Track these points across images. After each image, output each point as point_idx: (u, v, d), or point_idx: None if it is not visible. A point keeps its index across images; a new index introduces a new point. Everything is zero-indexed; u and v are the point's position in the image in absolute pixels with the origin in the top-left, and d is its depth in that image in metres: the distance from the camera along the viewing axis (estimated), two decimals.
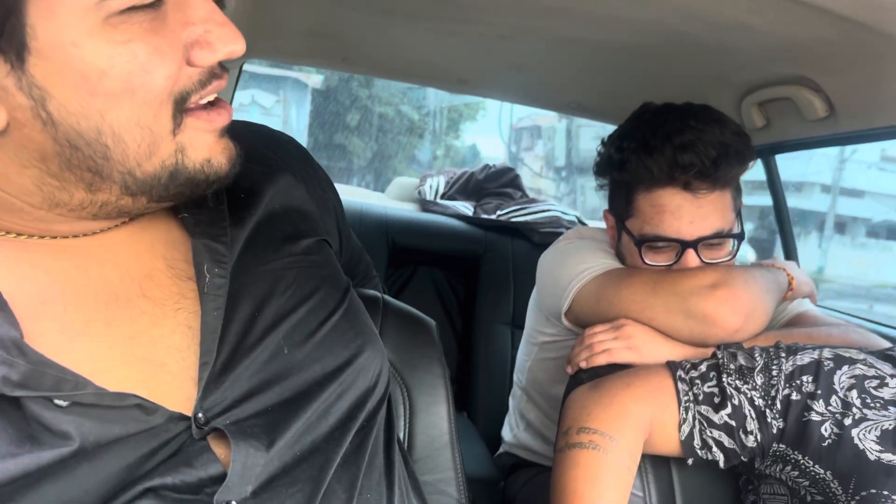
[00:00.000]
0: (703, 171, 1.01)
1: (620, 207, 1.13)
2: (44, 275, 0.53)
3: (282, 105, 7.45)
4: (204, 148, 0.53)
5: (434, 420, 0.85)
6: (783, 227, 1.71)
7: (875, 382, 0.83)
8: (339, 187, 0.84)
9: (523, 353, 1.41)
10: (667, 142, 1.03)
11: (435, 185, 2.36)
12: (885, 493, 0.74)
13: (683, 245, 1.05)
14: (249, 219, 0.63)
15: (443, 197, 2.33)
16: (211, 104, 0.54)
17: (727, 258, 1.09)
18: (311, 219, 0.70)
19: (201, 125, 0.53)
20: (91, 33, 0.45)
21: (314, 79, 7.45)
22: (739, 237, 1.10)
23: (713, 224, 1.05)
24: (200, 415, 0.53)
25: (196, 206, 0.59)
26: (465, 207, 2.23)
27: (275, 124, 0.81)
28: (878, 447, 0.78)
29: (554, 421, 1.25)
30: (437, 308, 2.11)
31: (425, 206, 2.33)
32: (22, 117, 0.46)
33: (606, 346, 1.01)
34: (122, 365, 0.53)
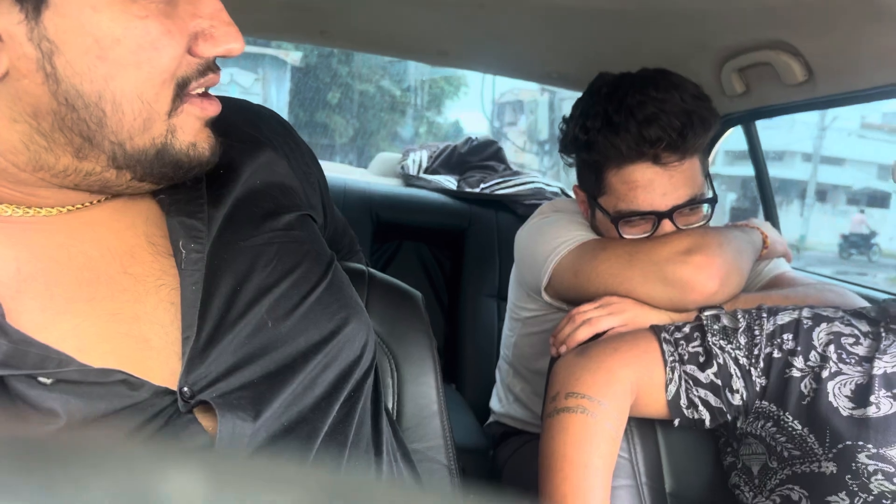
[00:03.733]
0: (671, 144, 1.01)
1: (591, 185, 1.12)
2: (26, 253, 0.53)
3: (261, 83, 7.37)
4: (191, 132, 0.55)
5: (422, 390, 0.86)
6: (764, 193, 1.73)
7: (851, 340, 0.85)
8: (321, 164, 0.84)
9: (507, 329, 1.42)
10: (630, 118, 1.02)
11: (418, 159, 2.35)
12: (861, 443, 0.76)
13: (659, 216, 1.05)
14: (228, 196, 0.63)
15: (426, 171, 2.33)
16: (202, 95, 0.55)
17: (702, 222, 1.10)
18: (293, 193, 0.70)
19: (194, 111, 0.54)
20: (112, 2, 0.46)
21: (293, 56, 7.36)
22: (712, 202, 1.11)
23: (686, 192, 1.05)
24: (186, 388, 0.53)
25: (173, 186, 0.60)
26: (449, 181, 2.23)
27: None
28: (850, 404, 0.80)
29: (540, 394, 1.26)
30: (424, 282, 2.12)
31: (409, 180, 2.32)
32: (24, 68, 0.46)
33: (589, 316, 1.02)
34: (105, 341, 0.53)
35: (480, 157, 2.34)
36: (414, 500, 0.11)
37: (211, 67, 0.54)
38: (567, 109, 1.19)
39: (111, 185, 0.54)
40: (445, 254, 2.15)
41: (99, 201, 0.57)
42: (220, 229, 0.61)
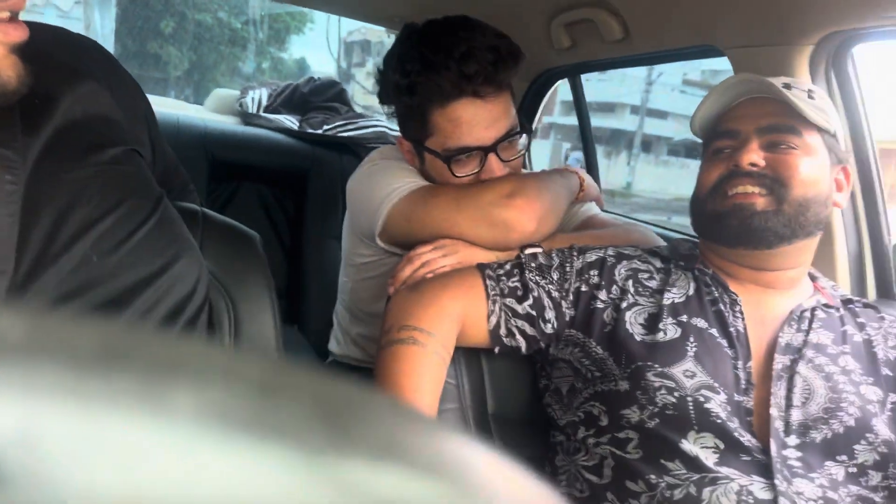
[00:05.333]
0: (487, 77, 1.09)
1: (417, 130, 1.17)
2: None
3: (82, 7, 6.68)
4: None
5: (260, 329, 0.87)
6: (586, 142, 1.87)
7: (646, 275, 0.98)
8: (152, 99, 0.81)
9: (343, 276, 1.45)
10: (448, 57, 1.08)
11: (257, 97, 2.27)
12: (649, 363, 0.89)
13: (485, 151, 1.13)
14: (46, 125, 0.60)
15: (266, 110, 2.26)
16: (7, 20, 0.52)
17: (521, 153, 1.20)
18: (117, 127, 0.68)
19: None
20: None
21: None
22: (528, 132, 1.21)
23: (505, 124, 1.14)
24: None
25: None
26: (291, 121, 2.18)
27: (75, 29, 0.77)
28: (643, 330, 0.92)
29: (378, 337, 1.31)
30: (265, 224, 2.09)
31: (247, 119, 2.24)
32: None
33: (426, 258, 1.07)
34: None
35: (323, 97, 2.31)
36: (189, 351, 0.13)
37: None
38: None
39: None
40: (288, 195, 2.12)
41: None
42: (37, 160, 0.58)
